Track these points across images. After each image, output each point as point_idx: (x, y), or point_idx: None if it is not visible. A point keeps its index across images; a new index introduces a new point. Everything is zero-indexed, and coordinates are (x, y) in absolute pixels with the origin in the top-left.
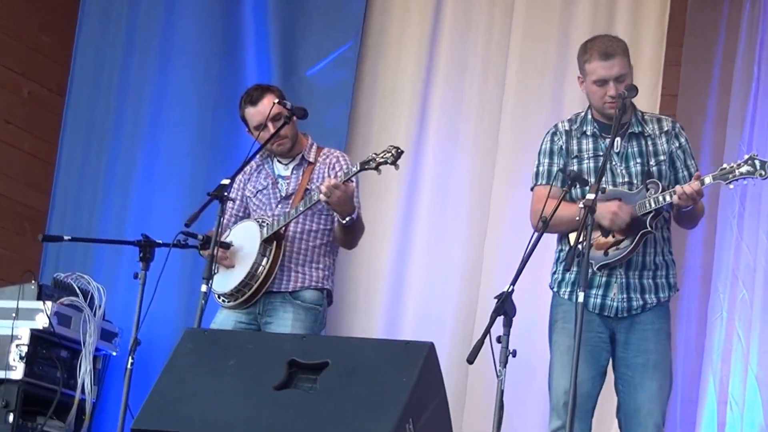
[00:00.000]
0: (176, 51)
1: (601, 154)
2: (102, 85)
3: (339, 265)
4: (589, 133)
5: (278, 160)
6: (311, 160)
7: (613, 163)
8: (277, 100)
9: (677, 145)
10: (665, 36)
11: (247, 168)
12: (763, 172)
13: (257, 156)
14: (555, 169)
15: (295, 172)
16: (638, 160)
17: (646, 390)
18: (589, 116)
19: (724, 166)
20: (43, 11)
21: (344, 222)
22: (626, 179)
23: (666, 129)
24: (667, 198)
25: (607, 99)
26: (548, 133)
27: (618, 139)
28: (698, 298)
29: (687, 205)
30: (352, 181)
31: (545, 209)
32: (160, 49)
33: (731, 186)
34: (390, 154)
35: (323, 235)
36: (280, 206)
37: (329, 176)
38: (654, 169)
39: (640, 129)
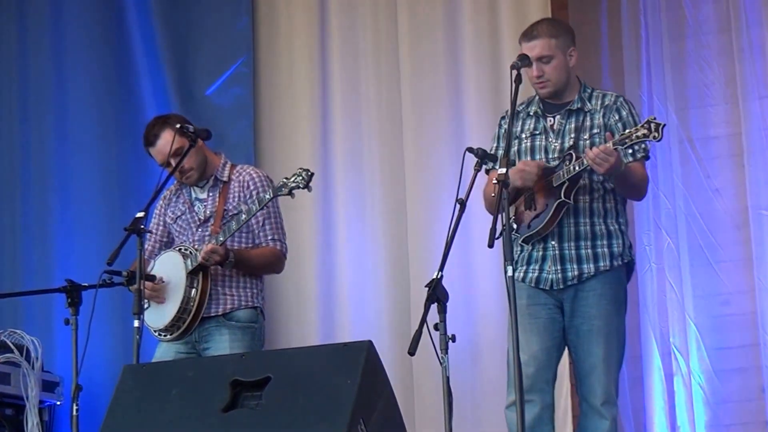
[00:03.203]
0: (72, 96)
1: (538, 133)
2: (2, 143)
3: (266, 280)
4: (532, 113)
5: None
6: (225, 179)
7: (549, 139)
8: (178, 125)
9: (617, 118)
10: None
11: (167, 193)
12: (657, 135)
13: (175, 181)
14: (501, 153)
15: (211, 193)
16: (572, 136)
17: (593, 356)
18: (537, 96)
19: (624, 132)
20: None
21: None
22: (558, 155)
23: (607, 104)
24: (577, 167)
25: (533, 80)
26: (501, 117)
27: (558, 116)
28: None
29: (606, 168)
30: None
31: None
32: (54, 99)
33: (630, 151)
34: (301, 178)
35: None
36: (200, 230)
37: (245, 195)
38: (586, 142)
39: (579, 105)
